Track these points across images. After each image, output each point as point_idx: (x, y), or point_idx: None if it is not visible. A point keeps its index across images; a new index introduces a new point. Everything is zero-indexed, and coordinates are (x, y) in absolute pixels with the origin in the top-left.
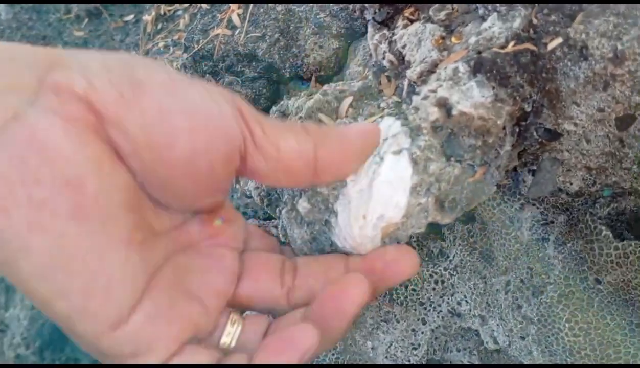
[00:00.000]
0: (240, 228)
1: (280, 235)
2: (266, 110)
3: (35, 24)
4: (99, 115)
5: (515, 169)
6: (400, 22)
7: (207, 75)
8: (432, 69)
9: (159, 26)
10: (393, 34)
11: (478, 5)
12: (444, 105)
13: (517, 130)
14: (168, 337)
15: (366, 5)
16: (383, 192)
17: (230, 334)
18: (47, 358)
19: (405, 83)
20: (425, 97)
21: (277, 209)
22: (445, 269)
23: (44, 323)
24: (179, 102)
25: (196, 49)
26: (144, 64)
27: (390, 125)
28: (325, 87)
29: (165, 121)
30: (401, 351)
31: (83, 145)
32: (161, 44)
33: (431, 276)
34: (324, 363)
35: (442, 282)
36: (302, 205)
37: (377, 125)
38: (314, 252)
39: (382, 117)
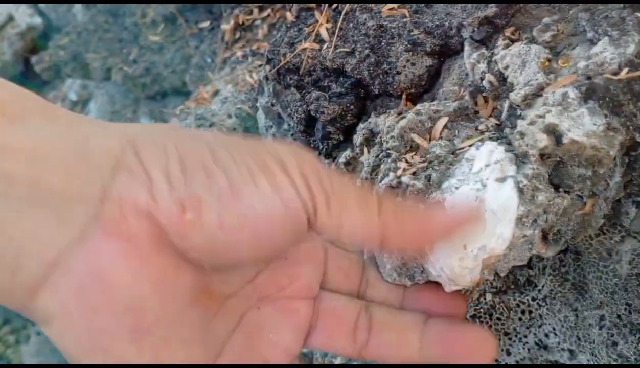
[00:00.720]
0: (316, 270)
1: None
2: (352, 127)
3: (111, 27)
4: (162, 227)
5: (618, 199)
6: (500, 42)
7: (292, 88)
8: (538, 92)
9: (237, 35)
10: (493, 54)
11: (587, 28)
12: (553, 132)
13: (627, 160)
14: None
15: (464, 23)
16: (486, 221)
17: None
18: None
19: (506, 105)
20: (532, 123)
21: None
22: (533, 299)
23: None
24: (240, 213)
25: (282, 62)
26: (206, 169)
27: (492, 151)
28: (419, 106)
29: (227, 235)
30: None
31: (144, 266)
32: (239, 53)
33: (518, 306)
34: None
35: (530, 312)
36: None
37: (478, 209)
38: (404, 279)
39: (481, 140)
